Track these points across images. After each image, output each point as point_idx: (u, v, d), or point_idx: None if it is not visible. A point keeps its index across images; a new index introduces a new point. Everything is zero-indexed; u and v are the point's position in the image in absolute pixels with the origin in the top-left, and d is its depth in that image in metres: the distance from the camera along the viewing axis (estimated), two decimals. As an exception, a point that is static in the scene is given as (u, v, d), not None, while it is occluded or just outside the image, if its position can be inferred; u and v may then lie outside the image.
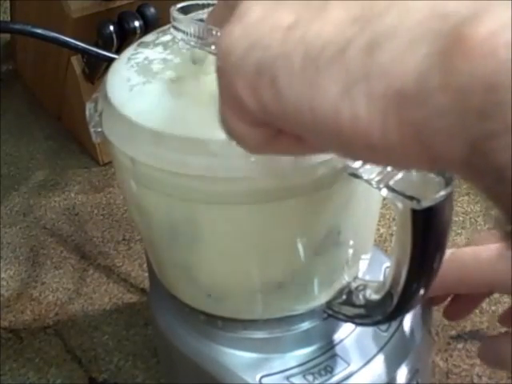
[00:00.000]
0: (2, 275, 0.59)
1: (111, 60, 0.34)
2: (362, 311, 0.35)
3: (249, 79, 0.19)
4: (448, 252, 0.34)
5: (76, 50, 0.54)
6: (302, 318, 0.36)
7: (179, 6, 0.32)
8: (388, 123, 0.16)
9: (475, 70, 0.15)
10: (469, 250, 0.36)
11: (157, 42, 0.34)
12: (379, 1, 0.17)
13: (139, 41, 0.35)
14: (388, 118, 0.16)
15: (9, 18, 0.79)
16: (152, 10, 0.60)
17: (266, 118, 0.19)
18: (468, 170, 0.16)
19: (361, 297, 0.34)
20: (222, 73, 0.20)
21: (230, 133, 0.21)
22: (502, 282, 0.34)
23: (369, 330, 0.37)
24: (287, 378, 0.35)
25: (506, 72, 0.14)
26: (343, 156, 0.20)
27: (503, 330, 0.41)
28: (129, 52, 0.34)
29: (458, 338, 0.50)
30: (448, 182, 0.25)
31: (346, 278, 0.35)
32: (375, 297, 0.33)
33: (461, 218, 0.60)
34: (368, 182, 0.27)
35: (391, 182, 0.26)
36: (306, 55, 0.17)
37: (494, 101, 0.14)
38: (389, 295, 0.32)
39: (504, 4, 0.15)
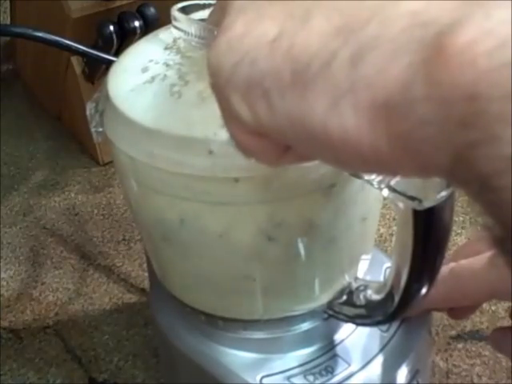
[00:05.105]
0: (2, 275, 0.59)
1: (112, 62, 0.34)
2: (362, 311, 0.35)
3: (241, 93, 0.19)
4: (447, 268, 0.35)
5: (77, 53, 0.54)
6: (302, 318, 0.36)
7: (180, 5, 0.32)
8: (376, 134, 0.16)
9: (455, 80, 0.14)
10: (465, 262, 0.36)
11: (157, 42, 0.34)
12: (361, 10, 0.17)
13: (140, 40, 0.35)
14: (376, 128, 0.16)
15: (9, 18, 0.79)
16: (152, 9, 0.60)
17: (263, 130, 0.19)
18: (454, 179, 0.16)
19: (361, 297, 0.34)
20: (215, 89, 0.20)
21: (239, 147, 0.21)
22: (498, 290, 0.35)
23: (369, 330, 0.37)
24: (288, 378, 0.35)
25: (486, 81, 0.14)
26: (336, 167, 0.20)
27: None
28: (130, 52, 0.34)
29: (458, 337, 0.50)
30: (449, 183, 0.25)
31: (346, 278, 0.35)
32: (376, 297, 0.33)
33: (461, 218, 0.60)
34: (369, 182, 0.27)
35: (392, 183, 0.26)
36: (294, 70, 0.18)
37: (475, 110, 0.14)
38: (390, 295, 0.32)
39: (485, 11, 0.14)
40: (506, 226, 0.15)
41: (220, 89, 0.20)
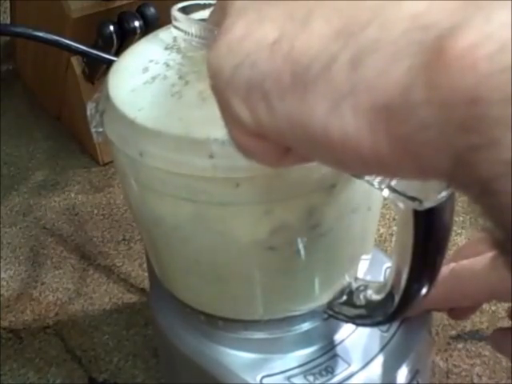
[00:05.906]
0: (2, 275, 0.59)
1: (112, 62, 0.34)
2: (362, 312, 0.35)
3: (242, 96, 0.19)
4: (447, 269, 0.35)
5: (77, 52, 0.54)
6: (302, 318, 0.36)
7: (180, 5, 0.32)
8: (377, 136, 0.16)
9: (455, 84, 0.14)
10: (465, 263, 0.36)
11: (157, 42, 0.34)
12: (361, 12, 0.17)
13: (140, 41, 0.35)
14: (376, 131, 0.16)
15: (9, 18, 0.79)
16: (152, 9, 0.60)
17: (263, 132, 0.19)
18: (455, 182, 0.16)
19: (362, 297, 0.34)
20: (215, 91, 0.20)
21: (240, 149, 0.21)
22: (498, 290, 0.35)
23: (369, 330, 0.37)
24: (288, 378, 0.35)
25: (486, 85, 0.14)
26: (337, 168, 0.20)
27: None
28: (130, 52, 0.34)
29: (458, 337, 0.50)
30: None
31: (346, 278, 0.35)
32: (376, 297, 0.33)
33: (461, 218, 0.60)
34: (369, 182, 0.27)
35: (393, 183, 0.26)
36: (294, 72, 0.18)
37: (475, 114, 0.14)
38: (390, 296, 0.32)
39: (486, 14, 0.14)
40: (506, 229, 0.15)
41: (220, 91, 0.20)
